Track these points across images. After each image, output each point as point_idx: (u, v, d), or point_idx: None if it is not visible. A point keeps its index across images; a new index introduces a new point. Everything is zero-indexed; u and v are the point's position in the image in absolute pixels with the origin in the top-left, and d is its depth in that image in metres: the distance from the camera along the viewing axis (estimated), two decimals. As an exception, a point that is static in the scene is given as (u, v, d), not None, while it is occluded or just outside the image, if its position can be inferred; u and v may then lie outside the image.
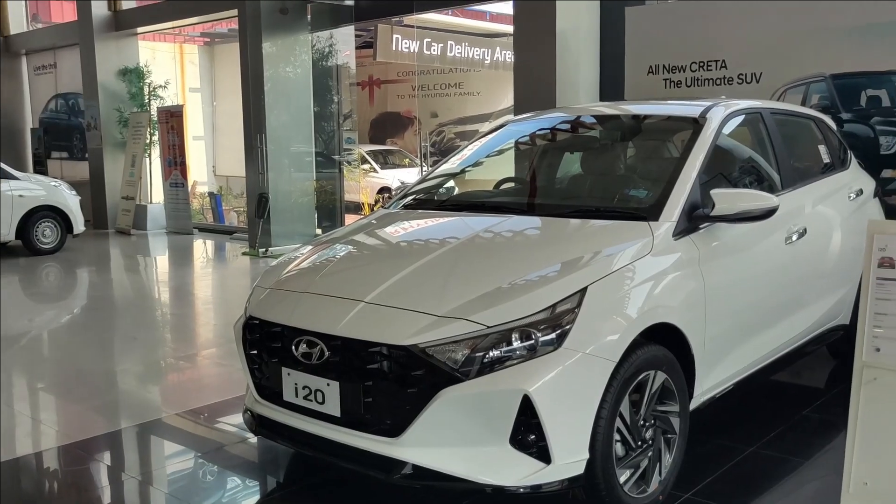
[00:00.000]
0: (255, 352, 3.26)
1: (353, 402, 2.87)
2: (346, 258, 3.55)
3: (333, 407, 2.92)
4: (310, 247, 3.79)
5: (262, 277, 3.58)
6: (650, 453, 3.04)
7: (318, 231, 11.23)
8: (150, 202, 13.29)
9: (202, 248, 11.78)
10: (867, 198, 4.80)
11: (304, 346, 2.98)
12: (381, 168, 16.30)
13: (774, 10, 6.16)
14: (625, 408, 2.90)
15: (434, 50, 15.26)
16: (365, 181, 15.27)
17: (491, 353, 2.70)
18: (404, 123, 17.88)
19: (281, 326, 3.12)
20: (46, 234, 10.53)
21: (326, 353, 2.92)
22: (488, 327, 2.72)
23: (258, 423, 3.32)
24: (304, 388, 3.00)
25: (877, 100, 5.75)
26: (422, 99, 16.63)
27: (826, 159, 4.71)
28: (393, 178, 15.64)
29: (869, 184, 4.92)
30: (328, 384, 2.92)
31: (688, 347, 3.19)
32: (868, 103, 5.78)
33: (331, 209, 11.60)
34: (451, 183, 4.46)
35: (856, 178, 4.83)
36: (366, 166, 15.88)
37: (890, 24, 5.58)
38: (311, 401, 2.99)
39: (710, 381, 3.41)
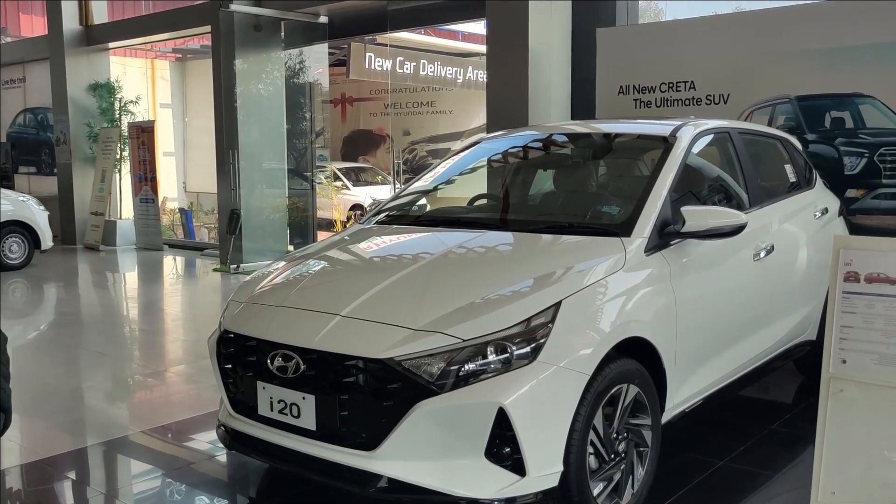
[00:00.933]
0: (230, 366, 3.25)
1: (329, 416, 2.87)
2: (322, 273, 3.56)
3: (309, 421, 2.92)
4: (285, 262, 3.79)
5: (238, 291, 3.57)
6: (623, 466, 3.08)
7: (290, 248, 11.19)
8: (120, 218, 13.14)
9: (172, 264, 11.67)
10: (832, 216, 4.91)
11: (280, 359, 2.98)
12: (354, 185, 16.32)
13: (742, 32, 6.30)
14: (598, 421, 2.93)
15: (407, 68, 15.35)
16: (337, 198, 15.27)
17: (466, 367, 2.72)
18: (377, 141, 17.92)
19: (256, 340, 3.11)
20: (13, 249, 10.36)
21: (302, 367, 2.92)
22: (464, 340, 2.74)
23: (232, 438, 3.29)
24: (279, 401, 2.99)
25: (840, 121, 5.89)
26: (394, 117, 16.70)
27: (792, 178, 4.81)
28: (365, 195, 15.67)
29: (834, 203, 5.03)
30: (304, 398, 2.91)
31: (659, 362, 3.23)
32: (832, 125, 5.92)
33: (303, 226, 11.57)
34: (424, 199, 4.49)
35: (821, 197, 4.94)
36: (338, 183, 15.87)
37: (853, 48, 5.74)
38: (286, 415, 2.98)
39: (682, 395, 3.46)
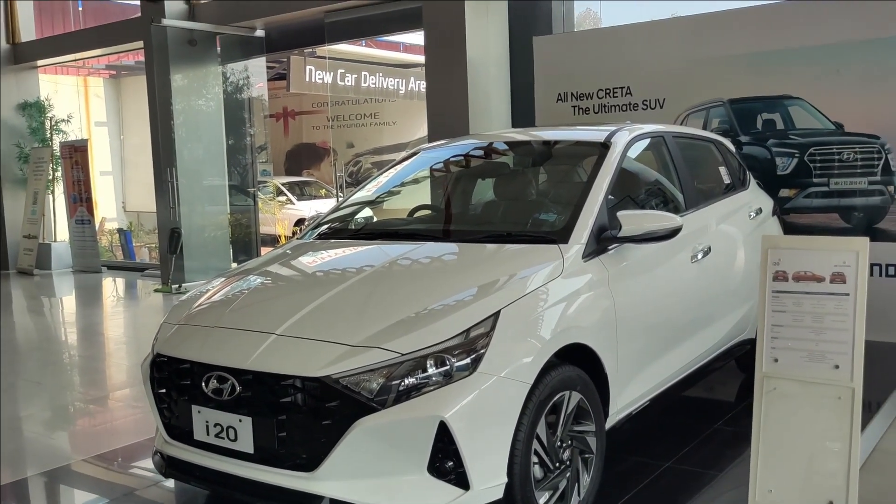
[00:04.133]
0: (164, 390, 3.15)
1: (267, 438, 2.79)
2: (258, 290, 3.48)
3: (246, 444, 2.84)
4: (220, 280, 3.70)
5: (171, 313, 3.48)
6: (568, 474, 3.06)
7: (234, 265, 11.02)
8: (55, 240, 12.78)
9: (112, 286, 11.38)
10: (766, 216, 5.00)
11: (215, 381, 2.89)
12: (298, 199, 16.15)
13: (676, 38, 6.42)
14: (541, 430, 2.91)
15: (348, 81, 15.26)
16: (281, 213, 15.09)
17: (406, 381, 2.68)
18: (320, 154, 17.78)
19: (190, 363, 3.02)
20: (-59, 276, 9.99)
21: (238, 389, 2.84)
22: (403, 355, 2.70)
23: (168, 465, 3.19)
24: (215, 425, 2.91)
25: (772, 123, 6.04)
26: (337, 129, 16.57)
27: (727, 180, 4.89)
28: (310, 209, 15.51)
29: (767, 203, 5.13)
30: (240, 420, 2.84)
31: (601, 367, 3.23)
32: (764, 126, 6.07)
33: (246, 242, 11.41)
34: (365, 211, 4.45)
35: (755, 197, 5.03)
36: (282, 198, 15.70)
37: (780, 51, 5.89)
38: (222, 438, 2.90)
39: (625, 400, 3.47)
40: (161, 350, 3.19)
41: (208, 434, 2.94)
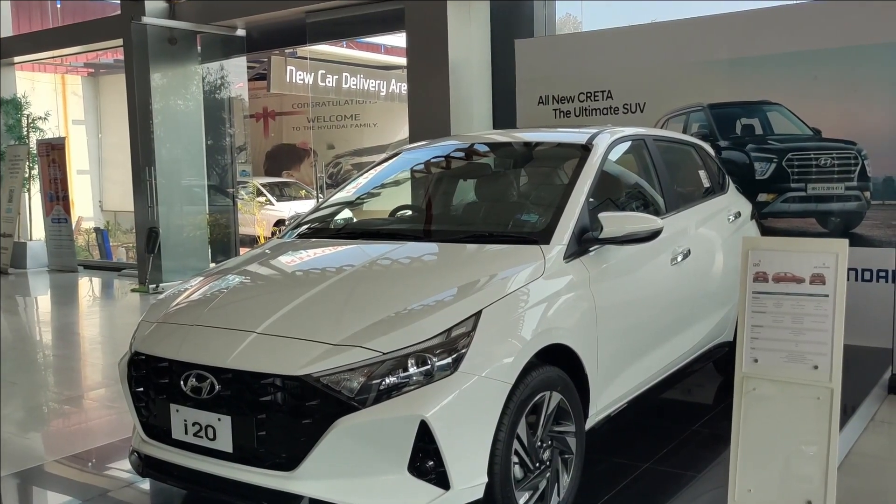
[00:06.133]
0: (142, 389, 3.12)
1: (246, 437, 2.77)
2: (238, 289, 3.46)
3: (225, 443, 2.82)
4: (200, 278, 3.67)
5: (149, 311, 3.45)
6: (548, 474, 3.07)
7: (212, 265, 10.95)
8: (30, 239, 12.63)
9: (88, 285, 11.26)
10: (745, 220, 5.05)
11: (194, 380, 2.87)
12: (278, 200, 16.07)
13: (656, 43, 6.46)
14: (522, 430, 2.91)
15: (329, 82, 15.22)
16: (261, 214, 15.02)
17: (387, 380, 2.67)
18: (300, 155, 17.70)
19: (168, 361, 2.99)
20: (-87, 274, 9.84)
21: (217, 387, 2.82)
22: (384, 354, 2.70)
23: (145, 464, 3.16)
24: (193, 424, 2.88)
25: (750, 128, 6.10)
26: (317, 131, 16.52)
27: (706, 184, 4.93)
28: (289, 210, 15.43)
29: (746, 207, 5.18)
30: (219, 419, 2.81)
31: (581, 368, 3.24)
32: (743, 131, 6.13)
33: (225, 243, 11.34)
34: (346, 211, 4.43)
35: (734, 201, 5.07)
36: (261, 199, 15.62)
37: (759, 57, 5.95)
38: (201, 437, 2.87)
39: (605, 401, 3.48)
40: (139, 348, 3.16)
41: (187, 433, 2.91)
